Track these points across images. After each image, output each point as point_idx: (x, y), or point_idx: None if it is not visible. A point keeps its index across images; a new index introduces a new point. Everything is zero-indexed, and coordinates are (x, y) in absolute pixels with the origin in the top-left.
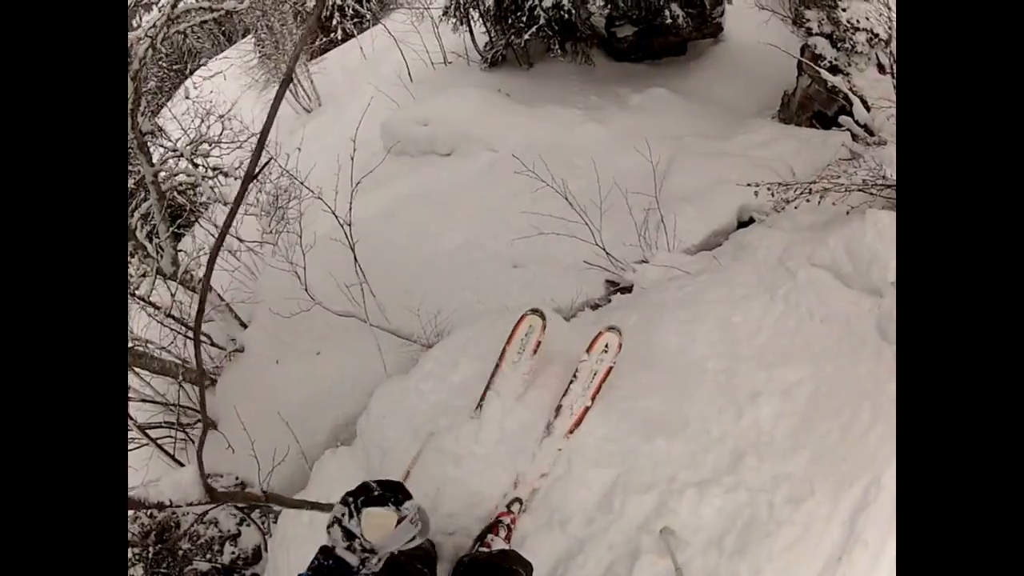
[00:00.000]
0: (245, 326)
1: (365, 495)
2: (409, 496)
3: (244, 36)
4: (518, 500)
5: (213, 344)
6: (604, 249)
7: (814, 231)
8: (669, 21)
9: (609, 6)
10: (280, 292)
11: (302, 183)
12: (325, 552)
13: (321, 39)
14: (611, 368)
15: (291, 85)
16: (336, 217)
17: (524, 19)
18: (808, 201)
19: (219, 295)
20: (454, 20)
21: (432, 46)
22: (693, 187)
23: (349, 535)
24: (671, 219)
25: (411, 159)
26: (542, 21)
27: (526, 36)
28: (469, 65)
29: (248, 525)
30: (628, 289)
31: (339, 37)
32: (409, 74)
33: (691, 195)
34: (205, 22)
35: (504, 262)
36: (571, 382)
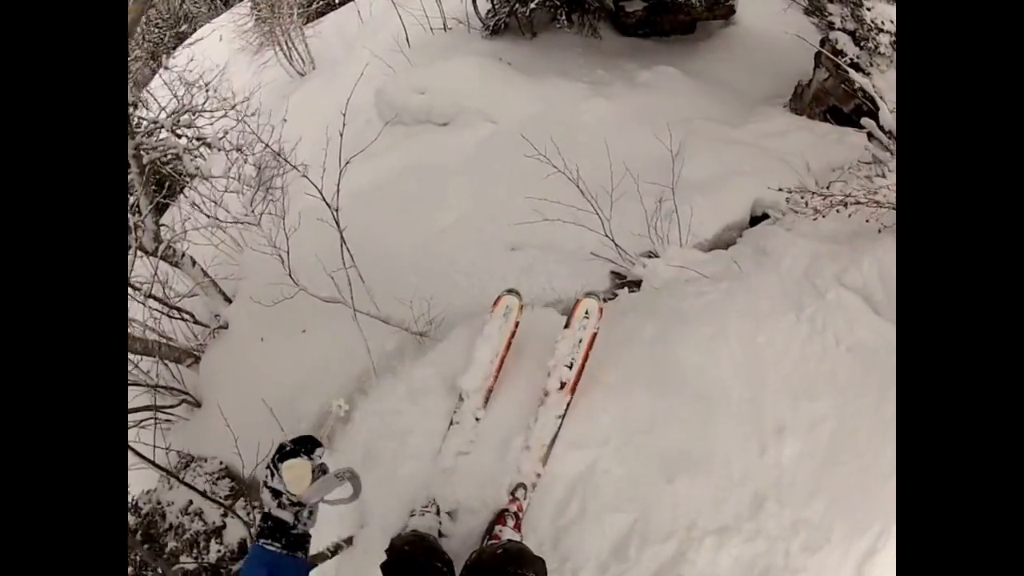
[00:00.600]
0: (230, 301)
1: (279, 453)
2: (319, 445)
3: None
4: (522, 486)
5: (196, 322)
6: (613, 240)
7: (839, 243)
8: (683, 0)
9: None
10: (263, 275)
11: (286, 160)
12: (264, 516)
13: (318, 2)
14: (595, 334)
15: (284, 48)
16: (323, 199)
17: None
18: (839, 212)
19: (203, 270)
20: None
21: (432, 11)
22: (705, 176)
23: (276, 493)
24: (683, 210)
25: (406, 128)
26: None
27: (532, 5)
28: (470, 32)
29: (233, 517)
30: (636, 284)
31: (337, 1)
32: (407, 40)
33: (703, 185)
34: None
35: (501, 244)
36: (556, 344)
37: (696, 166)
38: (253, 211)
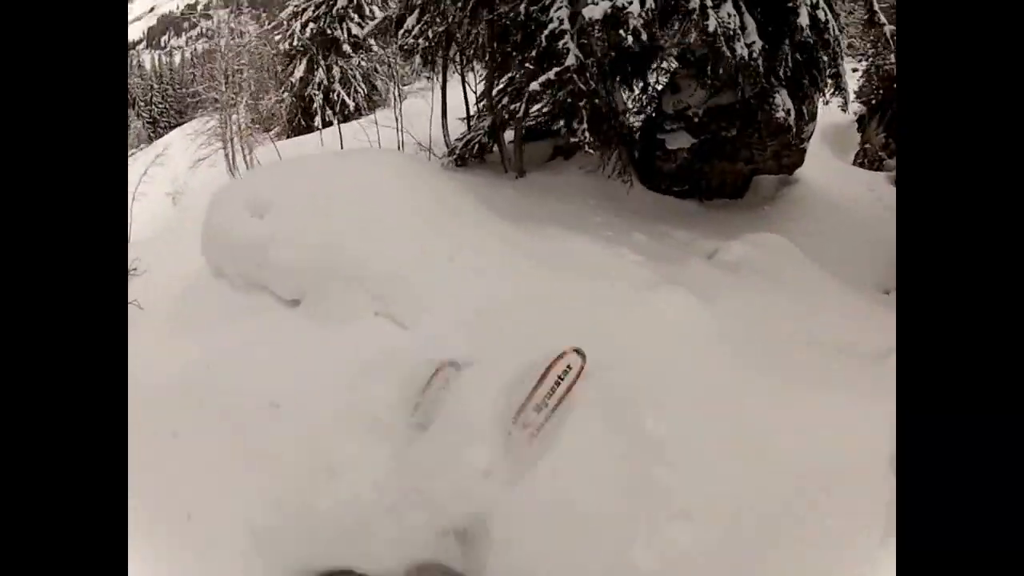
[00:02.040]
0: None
1: None
2: None
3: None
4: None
5: None
6: None
7: None
8: (780, 115)
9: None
10: None
11: None
12: None
13: (301, 123)
14: (573, 384)
15: (229, 161)
16: None
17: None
18: None
19: None
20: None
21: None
22: None
23: None
24: None
25: (235, 296)
26: (571, 60)
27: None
28: (430, 159)
29: None
30: None
31: (320, 125)
32: None
33: None
34: None
35: None
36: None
37: None
38: None
